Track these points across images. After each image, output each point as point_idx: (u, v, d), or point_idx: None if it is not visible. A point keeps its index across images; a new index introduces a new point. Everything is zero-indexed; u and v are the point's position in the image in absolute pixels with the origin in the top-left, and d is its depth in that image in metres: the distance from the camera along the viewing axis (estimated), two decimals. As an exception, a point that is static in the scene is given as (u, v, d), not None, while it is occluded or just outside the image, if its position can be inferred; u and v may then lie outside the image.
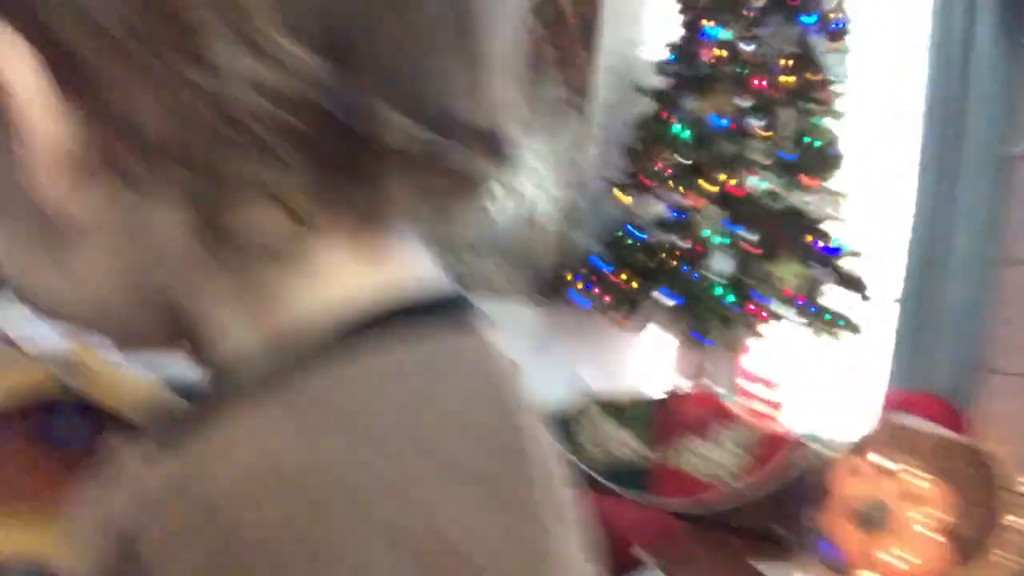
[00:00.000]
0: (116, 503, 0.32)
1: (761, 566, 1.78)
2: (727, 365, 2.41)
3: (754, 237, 2.31)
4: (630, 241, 2.45)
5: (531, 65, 0.34)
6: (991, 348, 1.96)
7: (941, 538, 1.67)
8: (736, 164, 2.38)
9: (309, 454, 0.27)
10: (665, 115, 2.49)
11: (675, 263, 2.35)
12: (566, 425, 2.16)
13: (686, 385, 2.39)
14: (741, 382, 2.40)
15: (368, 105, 0.28)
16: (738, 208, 2.36)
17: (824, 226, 2.33)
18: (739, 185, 2.36)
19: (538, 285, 2.61)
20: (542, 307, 2.58)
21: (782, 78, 2.41)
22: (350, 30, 0.28)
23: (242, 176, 0.28)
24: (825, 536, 1.86)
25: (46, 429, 1.20)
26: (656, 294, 2.34)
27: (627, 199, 2.52)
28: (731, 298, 2.24)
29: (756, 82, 2.44)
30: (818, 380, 2.45)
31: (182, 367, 0.37)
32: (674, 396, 2.28)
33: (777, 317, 2.27)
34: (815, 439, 2.07)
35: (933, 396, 1.90)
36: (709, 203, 2.37)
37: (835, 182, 2.37)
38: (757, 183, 2.35)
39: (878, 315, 2.24)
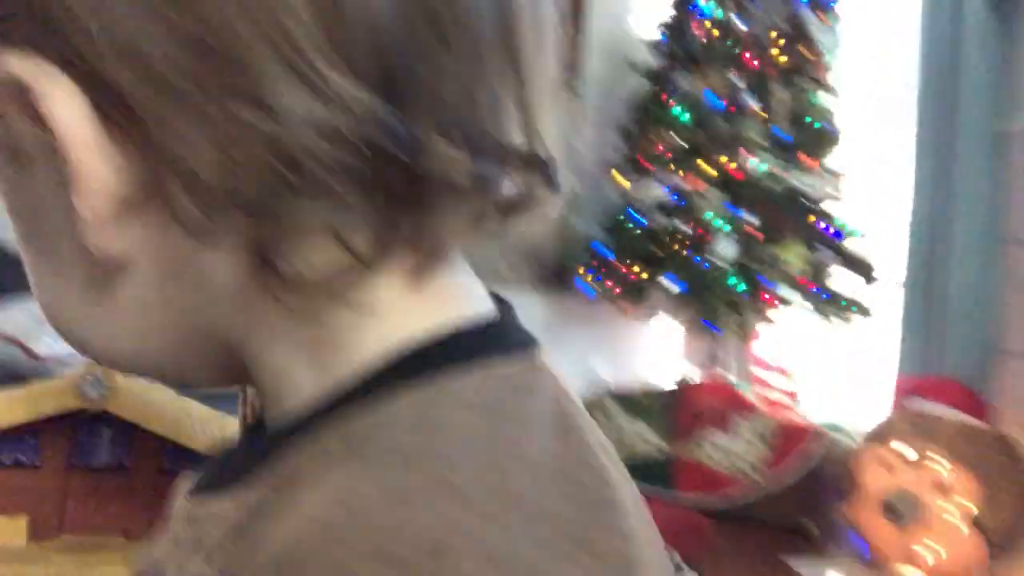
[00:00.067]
0: (176, 548, 0.32)
1: (792, 562, 1.80)
2: (738, 352, 2.42)
3: (756, 220, 2.31)
4: (632, 226, 2.43)
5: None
6: (1001, 329, 1.98)
7: (972, 529, 1.69)
8: (734, 145, 2.36)
9: (398, 514, 0.26)
10: (662, 96, 2.46)
11: (679, 249, 2.33)
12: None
13: (698, 374, 2.40)
14: (754, 369, 2.42)
15: (421, 138, 0.28)
16: (739, 191, 2.35)
17: (825, 207, 2.33)
18: (739, 167, 2.35)
19: (543, 274, 2.58)
20: (548, 296, 2.55)
21: (775, 53, 2.39)
22: (403, 64, 0.28)
23: (299, 215, 0.28)
24: (854, 529, 1.89)
25: (82, 451, 1.20)
26: (663, 281, 2.34)
27: (626, 183, 2.50)
28: (737, 283, 2.24)
29: (749, 59, 2.43)
30: (831, 366, 2.47)
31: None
32: (688, 386, 2.29)
33: (785, 302, 2.28)
34: (835, 428, 2.08)
35: (952, 381, 1.91)
36: (709, 186, 2.36)
37: (833, 161, 2.38)
38: (756, 165, 2.34)
39: (885, 298, 2.25)
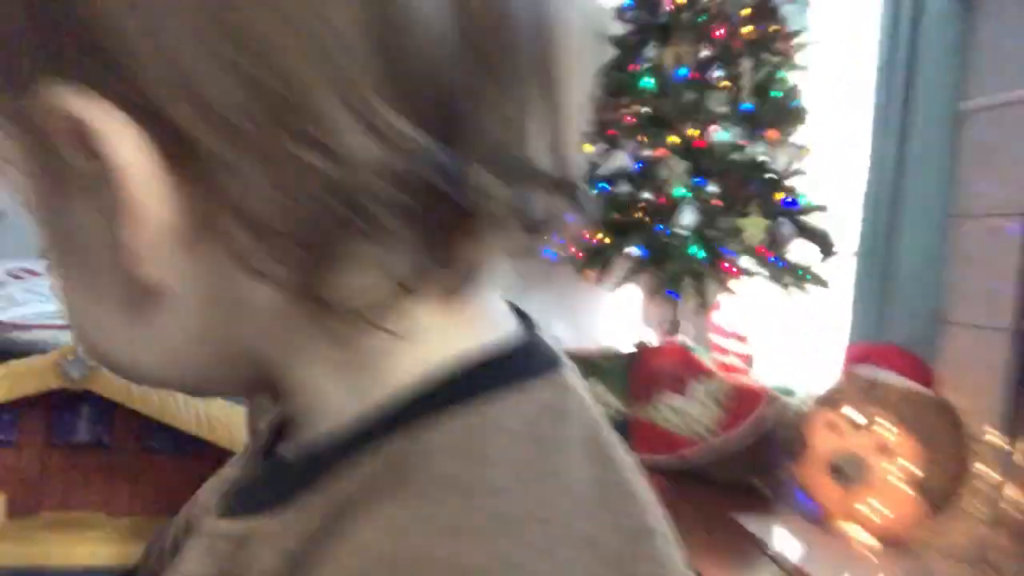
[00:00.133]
0: (215, 565, 0.32)
1: (743, 519, 1.86)
2: (696, 318, 2.48)
3: (717, 190, 2.36)
4: (595, 193, 2.46)
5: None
6: (950, 300, 2.06)
7: (913, 490, 1.78)
8: (698, 115, 2.40)
9: (452, 547, 0.26)
10: (628, 64, 2.49)
11: (643, 216, 2.38)
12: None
13: (656, 338, 2.45)
14: (712, 336, 2.48)
15: (468, 172, 0.28)
16: (701, 160, 2.39)
17: (788, 181, 2.38)
18: (702, 137, 2.39)
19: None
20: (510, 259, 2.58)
21: (742, 28, 2.43)
22: (452, 101, 0.28)
23: (348, 248, 0.29)
24: (803, 489, 1.97)
25: (61, 427, 1.19)
26: (625, 247, 2.38)
27: (590, 149, 2.53)
28: (699, 252, 2.30)
29: (716, 31, 2.46)
30: (785, 332, 2.54)
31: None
32: (646, 350, 2.34)
33: (746, 272, 2.34)
34: (787, 392, 2.16)
35: (901, 349, 1.99)
36: (673, 155, 2.40)
37: (798, 136, 2.42)
38: (719, 135, 2.38)
39: (843, 268, 2.31)
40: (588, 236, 2.40)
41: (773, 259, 2.31)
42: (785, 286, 2.32)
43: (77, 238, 0.31)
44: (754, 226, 2.29)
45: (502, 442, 0.29)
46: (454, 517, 0.27)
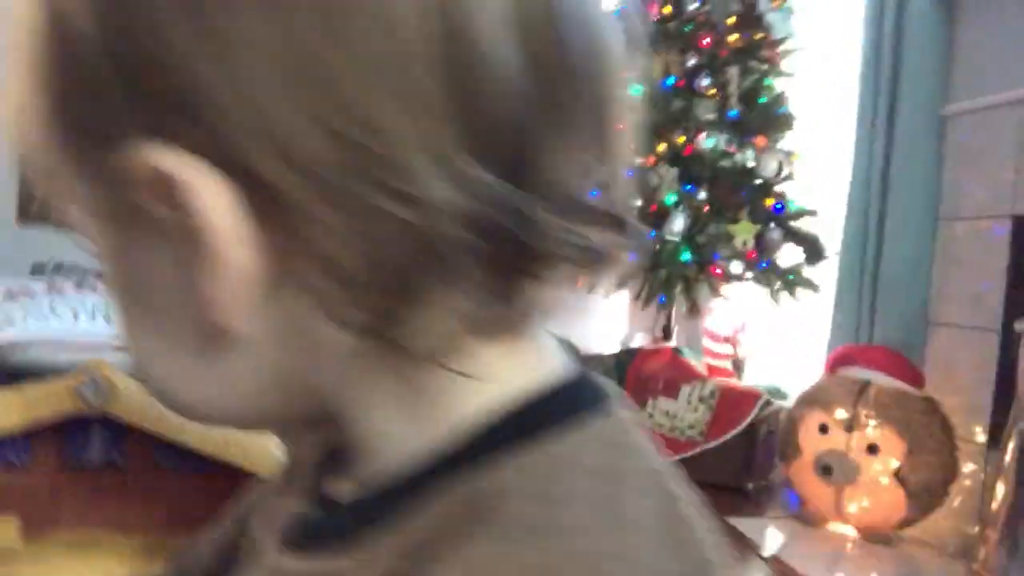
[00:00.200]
0: None
1: (733, 521, 1.88)
2: (688, 323, 2.50)
3: (705, 196, 2.38)
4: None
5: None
6: (937, 301, 2.08)
7: (902, 488, 1.79)
8: (687, 123, 2.42)
9: None
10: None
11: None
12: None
13: (647, 342, 2.47)
14: (703, 340, 2.49)
15: (535, 215, 0.29)
16: (690, 167, 2.41)
17: (777, 186, 2.40)
18: (688, 142, 2.41)
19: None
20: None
21: (728, 37, 2.45)
22: (524, 145, 0.29)
23: (423, 290, 0.29)
24: (793, 489, 1.98)
25: (74, 449, 1.17)
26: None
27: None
28: (689, 257, 2.31)
29: (703, 40, 2.49)
30: (777, 336, 2.56)
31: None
32: (636, 353, 2.36)
33: (735, 277, 2.36)
34: (778, 394, 2.17)
35: (889, 350, 2.00)
36: (661, 162, 2.42)
37: (787, 142, 2.45)
38: (707, 141, 2.41)
39: (833, 272, 2.33)
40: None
41: (763, 264, 2.32)
42: (775, 291, 2.34)
43: (149, 283, 0.32)
44: (744, 231, 2.31)
45: (573, 481, 0.30)
46: (535, 557, 0.27)
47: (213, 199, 0.27)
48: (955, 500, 1.84)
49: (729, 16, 2.46)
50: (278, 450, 1.09)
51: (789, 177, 2.44)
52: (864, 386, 1.89)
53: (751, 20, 2.47)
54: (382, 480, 0.33)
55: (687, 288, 2.33)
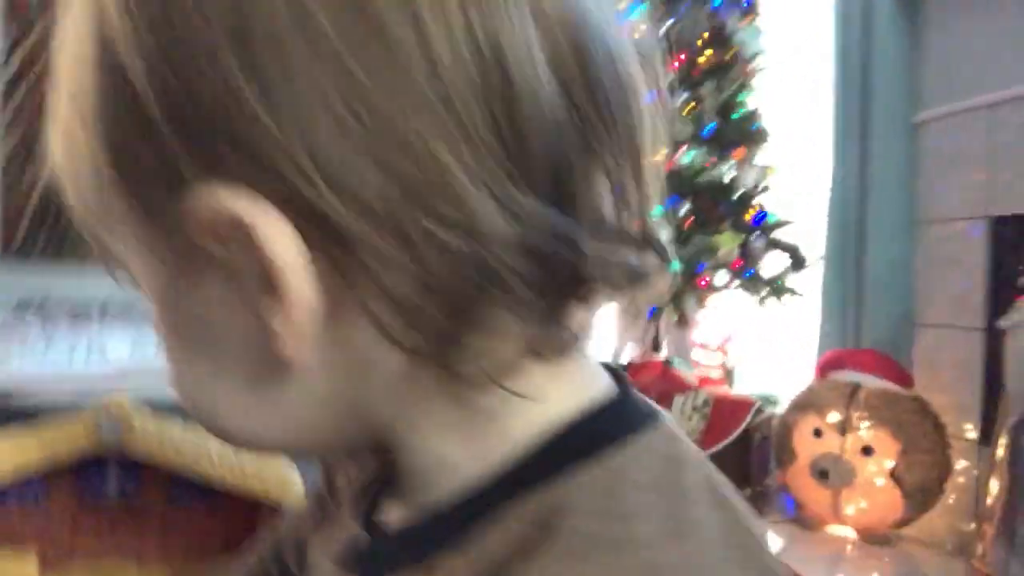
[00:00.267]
0: None
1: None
2: (678, 334, 2.53)
3: (687, 210, 2.42)
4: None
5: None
6: (921, 303, 2.11)
7: (898, 488, 1.82)
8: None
9: None
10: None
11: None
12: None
13: (637, 354, 2.50)
14: (693, 350, 2.52)
15: (581, 240, 0.30)
16: (671, 181, 2.45)
17: (757, 198, 2.45)
18: (667, 158, 2.45)
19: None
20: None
21: (699, 56, 2.50)
22: (564, 171, 0.30)
23: (479, 316, 0.30)
24: (790, 493, 2.01)
25: (90, 486, 1.18)
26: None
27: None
28: (676, 268, 2.35)
29: (678, 57, 2.53)
30: (766, 343, 2.59)
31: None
32: (629, 367, 2.38)
33: (723, 288, 2.39)
34: (771, 400, 2.20)
35: (877, 352, 2.04)
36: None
37: (763, 156, 2.49)
38: (686, 156, 2.45)
39: (818, 279, 2.37)
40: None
41: (748, 272, 2.36)
42: (761, 298, 2.38)
43: (205, 319, 0.32)
44: (728, 242, 2.35)
45: (634, 495, 0.31)
46: (601, 572, 0.28)
47: (278, 237, 0.28)
48: (949, 498, 1.87)
49: (698, 36, 2.50)
50: (299, 479, 1.10)
51: (767, 189, 2.48)
52: (855, 389, 1.92)
53: (722, 39, 2.52)
54: (440, 503, 0.33)
55: (675, 300, 2.36)
